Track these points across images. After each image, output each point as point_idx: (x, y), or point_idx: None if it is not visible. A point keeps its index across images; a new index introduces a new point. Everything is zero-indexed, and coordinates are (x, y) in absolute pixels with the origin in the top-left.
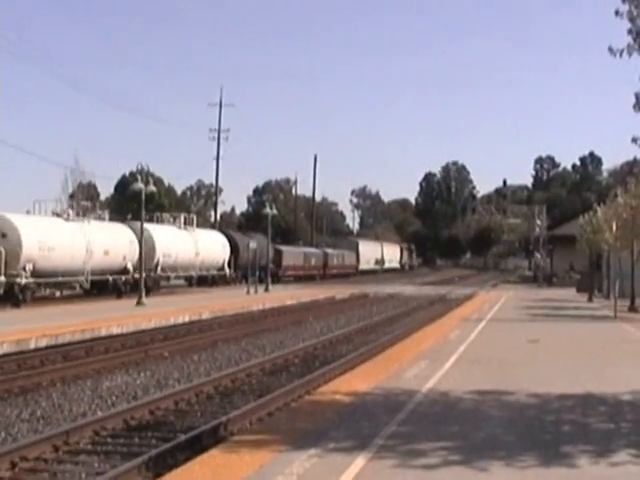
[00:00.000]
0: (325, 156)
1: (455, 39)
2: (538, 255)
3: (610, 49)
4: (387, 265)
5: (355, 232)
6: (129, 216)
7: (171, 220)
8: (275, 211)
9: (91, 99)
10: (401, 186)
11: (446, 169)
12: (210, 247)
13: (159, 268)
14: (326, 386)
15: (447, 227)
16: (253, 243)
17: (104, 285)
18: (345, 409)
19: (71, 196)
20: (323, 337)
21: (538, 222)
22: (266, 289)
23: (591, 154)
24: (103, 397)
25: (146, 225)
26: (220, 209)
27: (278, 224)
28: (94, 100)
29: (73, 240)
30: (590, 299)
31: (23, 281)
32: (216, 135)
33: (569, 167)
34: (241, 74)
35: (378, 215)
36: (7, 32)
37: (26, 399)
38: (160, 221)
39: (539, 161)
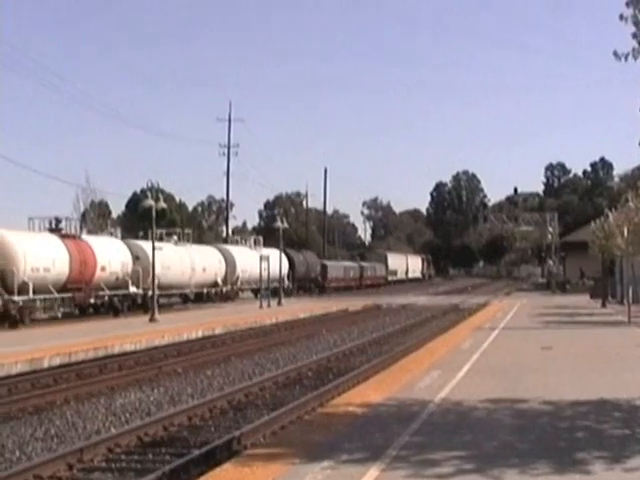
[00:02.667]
0: (335, 168)
1: (464, 48)
2: (551, 262)
3: (615, 53)
4: (411, 275)
5: (367, 243)
6: (140, 233)
7: (239, 241)
8: (286, 224)
9: (100, 116)
10: (412, 196)
11: (457, 178)
12: (275, 263)
13: (239, 282)
14: (339, 398)
15: (459, 236)
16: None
17: (200, 296)
18: (358, 420)
19: (83, 214)
20: (336, 349)
21: (550, 229)
22: (279, 303)
23: (602, 159)
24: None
25: (228, 247)
26: (232, 224)
27: (290, 237)
28: (103, 117)
29: (182, 261)
30: (604, 305)
31: (153, 292)
32: (226, 150)
33: (580, 173)
34: (250, 88)
35: (389, 226)
36: (12, 50)
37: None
38: (234, 242)
39: (550, 168)
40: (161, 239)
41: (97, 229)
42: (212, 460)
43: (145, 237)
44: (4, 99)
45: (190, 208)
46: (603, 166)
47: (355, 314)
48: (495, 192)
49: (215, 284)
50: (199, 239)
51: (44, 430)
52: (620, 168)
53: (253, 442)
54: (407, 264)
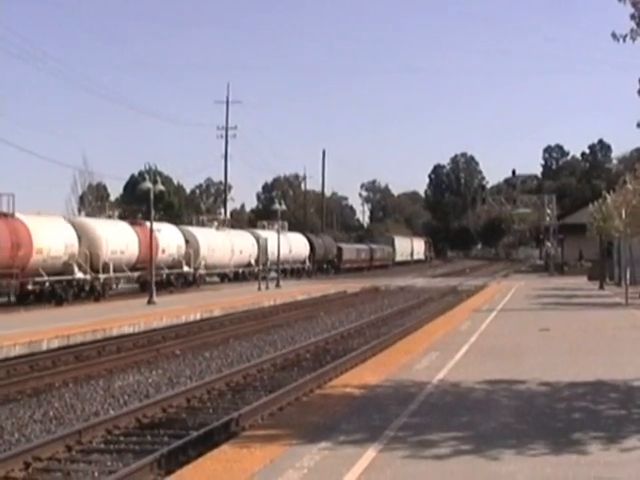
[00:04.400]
0: (334, 151)
1: (462, 31)
2: (549, 244)
3: (614, 35)
4: (415, 257)
5: (365, 226)
6: (139, 215)
7: (265, 225)
8: (285, 207)
9: (97, 100)
10: (410, 179)
11: (455, 161)
12: (298, 246)
13: (269, 263)
14: (337, 380)
15: (457, 219)
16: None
17: (237, 275)
18: (356, 402)
19: (81, 197)
20: (334, 331)
21: (548, 211)
22: (277, 285)
23: (600, 142)
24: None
25: (260, 232)
26: (230, 206)
27: (288, 220)
28: (101, 101)
29: (224, 244)
30: (601, 287)
31: (202, 271)
32: (224, 133)
33: (578, 155)
34: (247, 70)
35: (388, 208)
36: (12, 35)
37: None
38: (263, 227)
39: (548, 150)
40: (203, 224)
41: (95, 212)
42: (210, 441)
43: (144, 219)
44: (3, 83)
45: (188, 191)
46: (601, 148)
47: (354, 296)
48: (493, 174)
49: (249, 264)
50: (197, 222)
51: (43, 412)
52: (618, 150)
53: (251, 423)
54: (412, 246)
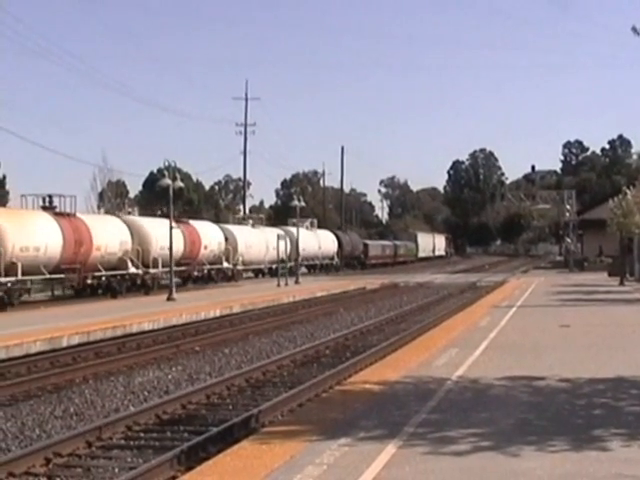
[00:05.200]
0: (353, 147)
1: (481, 26)
2: (568, 240)
3: (634, 29)
4: (437, 253)
5: (384, 222)
6: (158, 212)
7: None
8: (303, 203)
9: (117, 97)
10: (429, 175)
11: (474, 156)
12: (327, 243)
13: (300, 258)
14: (356, 376)
15: (476, 215)
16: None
17: (270, 270)
18: (375, 398)
19: (100, 194)
20: (353, 327)
21: (568, 207)
22: (297, 281)
23: (620, 137)
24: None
25: (291, 229)
26: (249, 202)
27: (307, 216)
28: (120, 98)
29: (259, 241)
30: (622, 283)
31: (239, 267)
32: (242, 129)
33: (598, 151)
34: (267, 67)
35: (407, 204)
36: (30, 32)
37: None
38: (293, 224)
39: (567, 146)
40: (239, 223)
41: (114, 208)
42: (230, 438)
43: (163, 216)
44: (23, 80)
45: (207, 187)
46: (621, 143)
47: (373, 292)
48: (512, 170)
49: (282, 260)
50: (216, 218)
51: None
52: (638, 145)
53: (271, 420)
54: (434, 243)
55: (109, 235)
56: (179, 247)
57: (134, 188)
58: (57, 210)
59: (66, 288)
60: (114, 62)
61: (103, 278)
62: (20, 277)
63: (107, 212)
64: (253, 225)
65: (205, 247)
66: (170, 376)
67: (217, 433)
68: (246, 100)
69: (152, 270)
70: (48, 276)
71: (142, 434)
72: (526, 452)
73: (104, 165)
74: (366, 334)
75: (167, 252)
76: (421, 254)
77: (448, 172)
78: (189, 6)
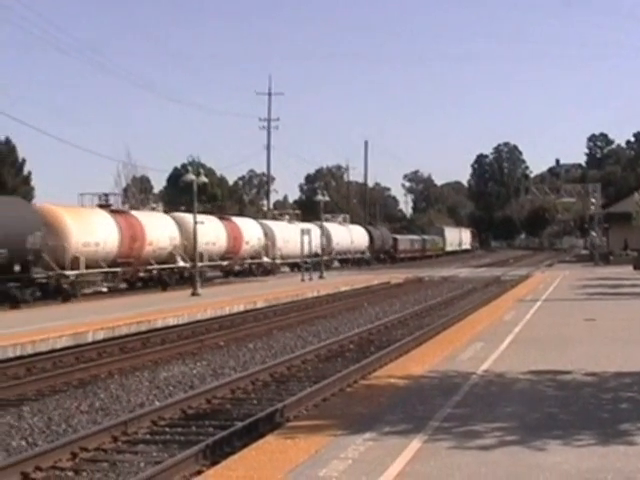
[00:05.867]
0: (376, 141)
1: (506, 18)
2: (594, 234)
3: None
4: (463, 247)
5: (408, 216)
6: (182, 207)
7: (329, 218)
8: (327, 198)
9: (140, 92)
10: (453, 169)
11: (498, 150)
12: (358, 237)
13: (333, 252)
14: (381, 370)
15: (501, 208)
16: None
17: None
18: (400, 392)
19: (125, 189)
20: (377, 322)
21: (593, 200)
22: (321, 276)
23: None
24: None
25: (326, 224)
26: (273, 197)
27: (332, 211)
28: (143, 93)
29: (295, 235)
30: None
31: (277, 261)
32: (266, 124)
33: (623, 144)
34: (290, 62)
35: (431, 198)
36: (54, 28)
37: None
38: (326, 219)
39: (592, 139)
40: (274, 218)
41: (139, 204)
42: (255, 432)
43: (187, 211)
44: (46, 76)
45: (231, 182)
46: None
47: (397, 287)
48: (537, 164)
49: (317, 255)
50: (240, 213)
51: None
52: None
53: (295, 414)
54: (460, 237)
55: (160, 231)
56: (222, 243)
57: (158, 184)
58: (112, 208)
59: (120, 281)
60: (138, 58)
61: (154, 271)
62: (84, 270)
63: (132, 208)
64: (289, 220)
65: (247, 242)
66: (195, 371)
67: (242, 428)
68: (269, 95)
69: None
70: (106, 269)
71: (167, 429)
72: (552, 446)
73: (128, 161)
74: (390, 328)
75: (211, 247)
76: (448, 248)
77: (472, 166)
78: (211, 2)
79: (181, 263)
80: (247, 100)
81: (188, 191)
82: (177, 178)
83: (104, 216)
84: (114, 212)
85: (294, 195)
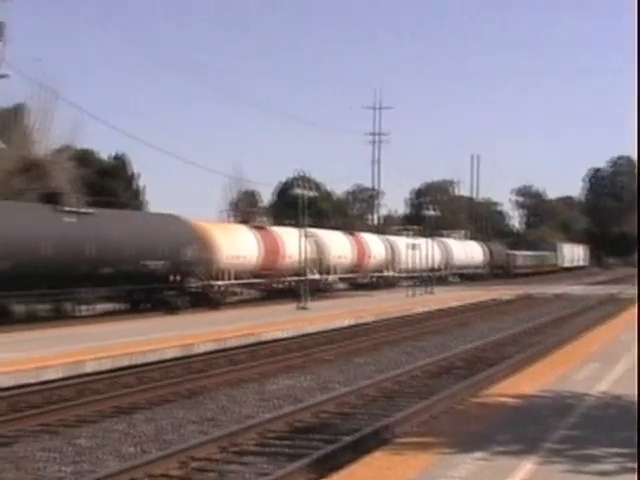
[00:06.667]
0: (484, 155)
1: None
2: None
3: None
4: (578, 263)
5: (518, 231)
6: (286, 221)
7: (447, 234)
8: (437, 212)
9: (248, 108)
10: (564, 183)
11: (613, 164)
12: (476, 253)
13: (449, 268)
14: (491, 388)
15: (616, 224)
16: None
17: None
18: (511, 412)
19: (232, 203)
20: (487, 339)
21: None
22: (430, 291)
23: None
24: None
25: (444, 239)
26: (381, 211)
27: (443, 226)
28: (250, 108)
29: (415, 250)
30: None
31: (401, 275)
32: (374, 138)
33: None
34: (398, 76)
35: (543, 214)
36: (166, 45)
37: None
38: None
39: None
40: (392, 233)
41: (247, 218)
42: (361, 447)
43: (294, 225)
44: (156, 92)
45: (338, 196)
46: None
47: (508, 303)
48: None
49: (438, 269)
50: (349, 228)
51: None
52: None
53: (403, 431)
54: (574, 253)
55: (295, 245)
56: (350, 256)
57: (265, 198)
58: (252, 223)
59: (259, 291)
60: (247, 75)
61: (285, 283)
62: (232, 281)
63: (242, 221)
64: (409, 235)
65: (374, 257)
66: (301, 384)
67: (349, 442)
68: (378, 109)
69: (329, 276)
70: (249, 281)
71: (274, 441)
72: None
73: (236, 175)
74: (500, 345)
75: (342, 260)
76: (562, 264)
77: (587, 180)
78: (319, 16)
79: (316, 276)
80: (355, 115)
81: (295, 205)
82: (285, 192)
83: (246, 231)
84: (255, 227)
85: (401, 209)
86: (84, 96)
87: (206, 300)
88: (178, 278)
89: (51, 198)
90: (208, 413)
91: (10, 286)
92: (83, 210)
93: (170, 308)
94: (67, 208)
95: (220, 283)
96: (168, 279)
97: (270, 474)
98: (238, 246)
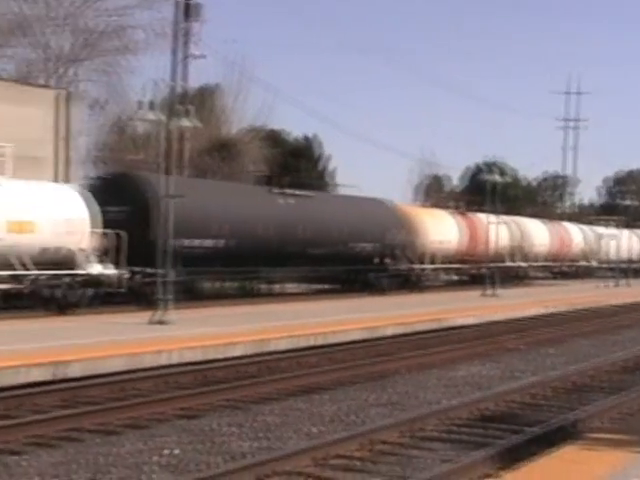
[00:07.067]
0: None
1: None
2: None
3: None
4: None
5: None
6: (475, 207)
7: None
8: (633, 202)
9: (439, 91)
10: None
11: None
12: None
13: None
14: None
15: None
16: None
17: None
18: None
19: (420, 187)
20: None
21: None
22: (627, 284)
23: None
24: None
25: (566, 224)
26: (574, 200)
27: (635, 217)
28: (442, 92)
29: (618, 241)
30: None
31: (602, 265)
32: (567, 124)
33: None
34: (600, 60)
35: None
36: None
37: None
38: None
39: None
40: (590, 223)
41: (435, 202)
42: (545, 441)
43: (480, 210)
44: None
45: (530, 182)
46: None
47: None
48: None
49: (636, 261)
50: (535, 215)
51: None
52: None
53: (592, 426)
54: None
55: (499, 232)
56: (549, 244)
57: (450, 182)
58: (452, 210)
59: (459, 276)
60: (442, 57)
61: (483, 270)
62: (435, 265)
63: (433, 206)
64: (617, 226)
65: (571, 246)
66: (485, 372)
67: (536, 434)
68: (577, 94)
69: (526, 264)
70: (451, 265)
71: (456, 428)
72: None
73: (423, 158)
74: None
75: (541, 249)
76: None
77: None
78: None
79: (518, 263)
80: (549, 99)
81: (483, 191)
82: (472, 177)
83: (448, 217)
84: (455, 213)
85: (596, 197)
86: (277, 77)
87: (410, 283)
88: (385, 260)
89: (268, 181)
90: (392, 397)
91: (229, 263)
92: (298, 192)
93: (375, 290)
94: (286, 190)
95: (424, 267)
96: (373, 261)
97: (451, 461)
98: (442, 231)
